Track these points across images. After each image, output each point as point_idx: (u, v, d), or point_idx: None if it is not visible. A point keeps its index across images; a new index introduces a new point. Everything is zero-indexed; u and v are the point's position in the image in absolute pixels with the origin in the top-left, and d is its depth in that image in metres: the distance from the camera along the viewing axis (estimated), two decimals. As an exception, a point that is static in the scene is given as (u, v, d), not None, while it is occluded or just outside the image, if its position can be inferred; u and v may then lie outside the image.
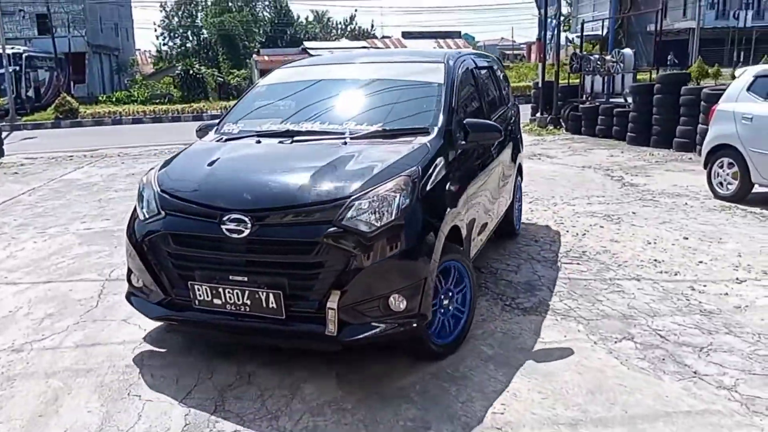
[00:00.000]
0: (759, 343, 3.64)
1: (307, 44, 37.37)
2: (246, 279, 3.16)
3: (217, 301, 3.22)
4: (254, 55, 37.05)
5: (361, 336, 3.11)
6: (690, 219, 6.59)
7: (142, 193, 3.62)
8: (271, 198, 3.22)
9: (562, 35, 20.03)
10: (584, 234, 6.08)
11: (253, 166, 3.71)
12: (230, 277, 3.19)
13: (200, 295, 3.25)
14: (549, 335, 3.82)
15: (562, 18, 21.34)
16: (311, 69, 5.11)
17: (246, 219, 3.11)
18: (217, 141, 4.11)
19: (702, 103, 10.93)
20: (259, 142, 3.95)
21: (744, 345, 3.62)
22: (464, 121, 4.06)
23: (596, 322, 4.00)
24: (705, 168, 7.84)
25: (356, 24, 51.30)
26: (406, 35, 35.84)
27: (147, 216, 3.49)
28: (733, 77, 7.69)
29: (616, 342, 3.70)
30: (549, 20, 15.89)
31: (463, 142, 3.99)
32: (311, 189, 3.21)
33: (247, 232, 3.11)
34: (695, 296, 4.42)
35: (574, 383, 3.22)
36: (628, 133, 12.94)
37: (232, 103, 26.15)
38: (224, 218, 3.15)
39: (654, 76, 14.54)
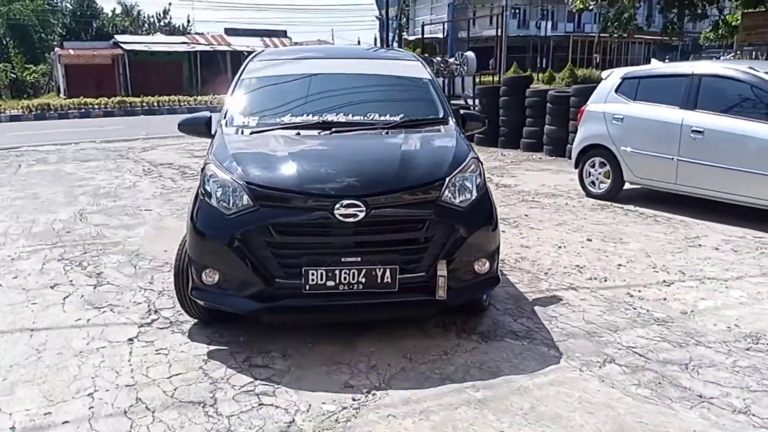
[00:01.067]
0: (733, 354, 3.51)
1: (119, 38, 34.13)
2: (360, 259, 3.34)
3: (330, 283, 3.33)
4: (57, 49, 32.99)
5: (464, 298, 3.65)
6: (581, 219, 6.63)
7: (215, 188, 3.53)
8: (380, 183, 3.45)
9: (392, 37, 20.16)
10: (493, 241, 5.79)
11: (338, 155, 3.87)
12: (342, 259, 3.33)
13: (313, 280, 3.32)
14: (528, 365, 3.37)
15: (403, 20, 21.58)
16: (300, 63, 5.08)
17: (360, 204, 3.30)
18: (250, 133, 4.10)
19: (548, 104, 11.43)
20: (299, 134, 4.02)
21: (721, 357, 3.47)
22: (461, 112, 4.59)
23: (565, 344, 3.63)
24: (576, 167, 8.03)
25: (170, 18, 48.06)
26: (230, 32, 34.22)
27: (234, 210, 3.42)
28: (599, 79, 8.00)
29: (600, 367, 3.35)
30: (391, 21, 15.75)
31: (463, 130, 4.44)
32: (411, 173, 3.56)
33: (361, 215, 3.31)
34: (639, 304, 4.26)
35: (592, 427, 2.78)
36: (476, 134, 13.21)
37: (34, 101, 23.27)
38: (337, 205, 3.29)
39: (497, 79, 15.07)
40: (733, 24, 26.48)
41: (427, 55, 16.78)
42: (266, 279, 3.37)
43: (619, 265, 5.11)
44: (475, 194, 3.63)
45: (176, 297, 3.90)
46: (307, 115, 4.20)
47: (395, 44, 16.27)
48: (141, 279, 4.86)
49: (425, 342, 3.65)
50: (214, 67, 32.49)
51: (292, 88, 4.61)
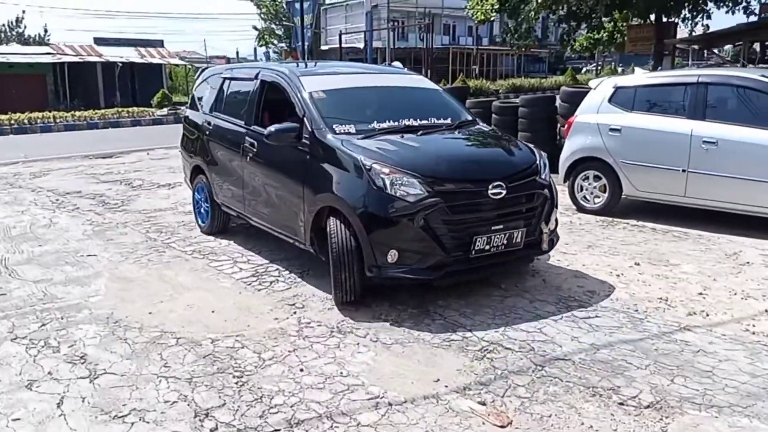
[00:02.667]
0: None
1: (-35, 47, 29.96)
2: (502, 226, 4.34)
3: (487, 247, 4.31)
4: None
5: (551, 248, 4.84)
6: (604, 239, 6.11)
7: (389, 182, 4.15)
8: (508, 168, 4.54)
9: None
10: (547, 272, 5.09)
11: (459, 150, 4.84)
12: (492, 227, 4.30)
13: (478, 245, 4.27)
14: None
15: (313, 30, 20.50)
16: (348, 78, 5.64)
17: (503, 184, 4.31)
18: (362, 138, 4.61)
19: (493, 115, 11.01)
20: (402, 136, 4.68)
21: None
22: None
23: (746, 413, 2.97)
24: (565, 182, 7.57)
25: (24, 27, 43.09)
26: (100, 42, 31.17)
27: (417, 197, 4.14)
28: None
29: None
30: (306, 30, 14.75)
31: None
32: (517, 158, 4.71)
33: (504, 193, 4.31)
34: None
35: None
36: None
37: None
38: (489, 186, 4.27)
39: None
40: (596, 37, 28.00)
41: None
42: (445, 250, 4.19)
43: (700, 293, 4.59)
44: (548, 170, 4.79)
45: (334, 284, 4.36)
46: (389, 121, 4.86)
47: (305, 51, 15.18)
48: (148, 361, 3.62)
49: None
50: (85, 80, 29.44)
51: (356, 100, 5.24)
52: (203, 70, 7.46)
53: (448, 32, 48.80)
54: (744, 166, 6.09)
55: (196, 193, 6.75)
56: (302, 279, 5.09)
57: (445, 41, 47.72)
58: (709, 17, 21.38)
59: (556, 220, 4.87)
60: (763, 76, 6.24)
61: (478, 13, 21.08)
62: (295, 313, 4.40)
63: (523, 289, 4.73)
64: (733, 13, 20.59)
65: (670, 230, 6.42)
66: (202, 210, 6.63)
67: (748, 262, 5.33)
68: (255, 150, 5.34)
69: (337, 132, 4.64)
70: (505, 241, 4.35)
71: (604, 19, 19.28)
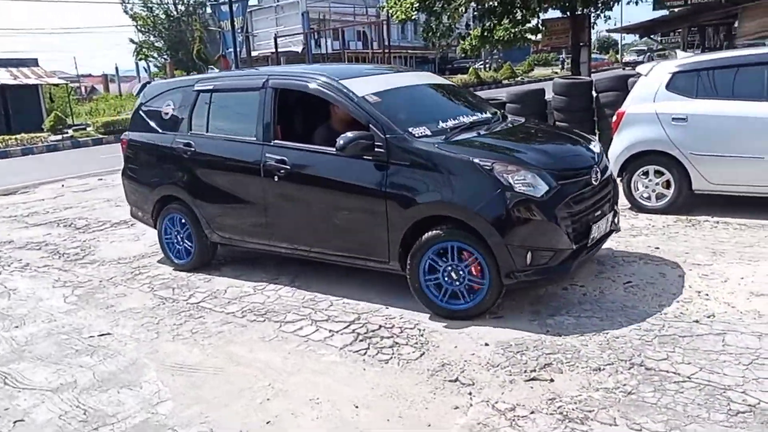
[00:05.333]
0: None
1: None
2: (601, 212, 4.36)
3: (597, 234, 4.30)
4: None
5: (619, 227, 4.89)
6: (718, 243, 5.31)
7: (518, 181, 3.93)
8: (592, 154, 4.54)
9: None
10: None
11: (552, 140, 4.93)
12: (597, 213, 4.31)
13: (595, 232, 4.25)
14: None
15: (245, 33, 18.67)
16: (381, 78, 5.19)
17: (599, 170, 4.42)
18: (444, 138, 4.30)
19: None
20: (479, 134, 4.51)
21: None
22: None
23: None
24: (619, 179, 6.77)
25: None
26: (-39, 61, 27.13)
27: (544, 191, 3.95)
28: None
29: None
30: (237, 35, 13.23)
31: None
32: (591, 145, 4.70)
33: (600, 178, 4.40)
34: None
35: None
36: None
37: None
38: (592, 173, 4.31)
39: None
40: (485, 35, 28.25)
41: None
42: (572, 242, 4.03)
43: None
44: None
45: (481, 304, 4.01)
46: (450, 120, 4.62)
47: (236, 58, 13.63)
48: None
49: None
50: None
51: (406, 101, 4.85)
52: (145, 86, 6.28)
53: (338, 37, 48.10)
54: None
55: (166, 229, 5.73)
56: (420, 330, 3.93)
57: (336, 46, 46.92)
58: (609, 9, 22.02)
59: None
60: None
61: (398, 13, 20.27)
62: (471, 394, 3.18)
63: None
64: (637, 3, 21.27)
65: (762, 225, 5.75)
66: (181, 248, 5.62)
67: None
68: (288, 168, 4.69)
69: (417, 135, 4.26)
70: (605, 226, 4.43)
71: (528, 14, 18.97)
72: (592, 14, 22.58)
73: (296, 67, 6.21)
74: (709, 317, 3.83)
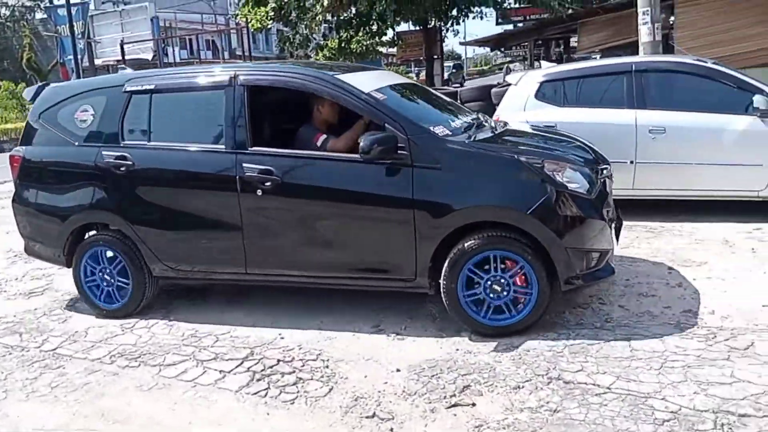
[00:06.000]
0: None
1: None
2: (611, 208, 4.20)
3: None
4: None
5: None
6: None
7: (569, 180, 3.76)
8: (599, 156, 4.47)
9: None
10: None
11: (561, 138, 4.83)
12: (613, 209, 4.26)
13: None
14: None
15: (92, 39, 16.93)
16: (367, 76, 4.59)
17: (607, 166, 4.32)
18: (469, 139, 4.01)
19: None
20: (494, 134, 4.36)
21: None
22: None
23: None
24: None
25: None
26: None
27: (593, 189, 3.85)
28: None
29: None
30: (78, 40, 12.07)
31: None
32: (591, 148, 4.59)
33: (607, 174, 4.27)
34: None
35: None
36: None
37: None
38: (607, 169, 4.27)
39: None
40: (342, 46, 28.71)
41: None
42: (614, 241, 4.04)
43: None
44: None
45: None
46: (454, 119, 4.37)
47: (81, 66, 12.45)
48: None
49: None
50: None
51: (407, 99, 4.60)
52: (42, 89, 5.00)
53: (185, 46, 46.27)
54: (697, 153, 6.00)
55: (88, 269, 4.58)
56: (323, 361, 3.59)
57: (184, 55, 45.03)
58: (458, 23, 23.11)
59: None
60: (698, 59, 6.25)
61: (253, 21, 19.77)
62: (392, 430, 2.90)
63: None
64: (482, 18, 22.50)
65: (665, 228, 6.07)
66: (112, 288, 4.56)
67: None
68: (277, 179, 3.99)
69: (440, 135, 3.90)
70: (614, 218, 4.26)
71: (382, 25, 19.26)
72: (443, 28, 23.65)
73: (263, 63, 5.82)
74: (608, 321, 3.87)
